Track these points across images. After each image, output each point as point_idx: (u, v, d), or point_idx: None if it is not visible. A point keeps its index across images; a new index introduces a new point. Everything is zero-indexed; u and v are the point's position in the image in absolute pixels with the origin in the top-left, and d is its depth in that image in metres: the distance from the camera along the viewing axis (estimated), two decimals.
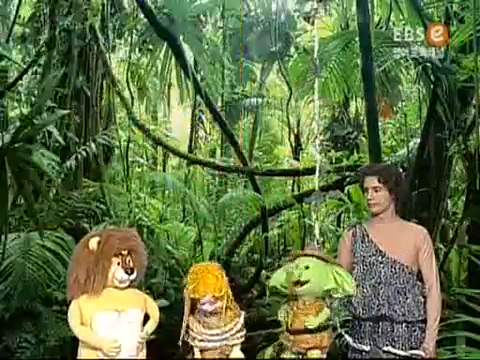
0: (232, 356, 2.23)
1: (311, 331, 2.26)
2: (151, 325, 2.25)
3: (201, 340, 2.24)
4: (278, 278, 2.42)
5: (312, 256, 2.33)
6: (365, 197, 2.79)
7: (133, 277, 2.19)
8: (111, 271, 2.15)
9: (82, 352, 2.13)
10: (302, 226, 8.81)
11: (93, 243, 2.16)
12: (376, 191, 2.71)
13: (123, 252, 2.18)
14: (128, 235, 2.27)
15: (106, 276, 2.14)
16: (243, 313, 2.30)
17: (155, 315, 2.28)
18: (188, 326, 2.27)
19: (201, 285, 2.22)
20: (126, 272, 2.15)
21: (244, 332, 2.28)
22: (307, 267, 2.28)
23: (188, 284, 2.26)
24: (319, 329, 2.26)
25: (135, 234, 2.33)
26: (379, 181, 2.70)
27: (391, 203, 2.74)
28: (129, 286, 2.23)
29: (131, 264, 2.18)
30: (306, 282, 2.25)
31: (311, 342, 2.27)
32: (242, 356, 2.25)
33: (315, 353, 2.28)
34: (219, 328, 2.23)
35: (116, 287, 2.18)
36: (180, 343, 2.26)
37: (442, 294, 2.68)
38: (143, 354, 2.20)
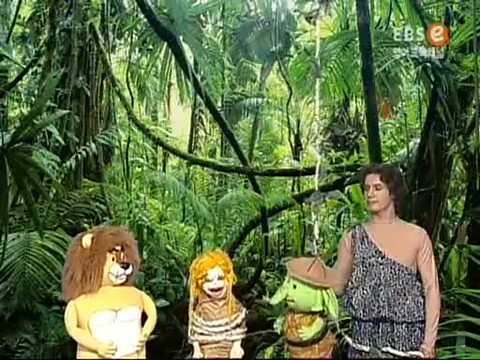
0: (233, 351, 2.24)
1: (302, 344, 2.30)
2: (149, 325, 2.25)
3: (201, 333, 2.25)
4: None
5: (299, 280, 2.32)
6: (365, 195, 2.78)
7: (129, 272, 2.20)
8: (106, 267, 2.15)
9: (81, 353, 2.13)
10: (302, 226, 8.80)
11: (87, 240, 2.17)
12: (377, 189, 2.70)
13: (116, 247, 2.19)
14: (119, 231, 2.29)
15: (102, 273, 2.14)
16: (244, 310, 2.32)
17: (153, 313, 2.28)
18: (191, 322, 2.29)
19: (208, 260, 2.28)
20: (122, 267, 2.16)
21: (245, 329, 2.29)
22: (295, 287, 2.31)
23: (193, 270, 2.30)
24: (312, 342, 2.29)
25: (126, 229, 2.36)
26: (381, 179, 2.70)
27: (390, 203, 2.73)
28: (126, 283, 2.22)
29: (125, 259, 2.19)
30: (291, 300, 2.31)
31: (302, 355, 2.32)
32: (242, 352, 2.26)
33: None
34: (219, 319, 2.24)
35: (113, 285, 2.18)
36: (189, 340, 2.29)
37: (442, 294, 2.68)
38: (143, 354, 2.20)
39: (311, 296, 2.28)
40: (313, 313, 2.32)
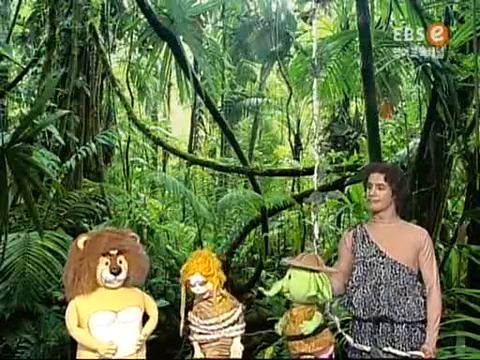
0: (233, 348, 2.25)
1: (298, 337, 2.33)
2: (150, 325, 2.24)
3: (200, 332, 2.26)
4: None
5: (297, 267, 2.38)
6: (367, 193, 2.78)
7: (121, 277, 2.14)
8: (99, 271, 2.12)
9: (81, 353, 2.13)
10: (302, 226, 8.81)
11: (80, 242, 2.15)
12: (380, 188, 2.70)
13: (111, 252, 2.14)
14: (120, 235, 2.22)
15: (93, 276, 2.12)
16: (241, 305, 2.32)
17: (154, 314, 2.27)
18: (188, 322, 2.29)
19: (190, 266, 2.29)
20: (111, 272, 2.12)
21: (243, 325, 2.30)
22: (290, 277, 2.37)
23: (182, 272, 2.33)
24: (308, 335, 2.32)
25: (130, 234, 2.29)
26: (385, 180, 2.69)
27: (392, 203, 2.73)
28: (127, 285, 2.21)
29: (121, 264, 2.15)
30: (287, 291, 2.36)
31: (298, 349, 2.35)
32: (242, 347, 2.26)
33: (308, 358, 2.34)
34: (215, 317, 2.24)
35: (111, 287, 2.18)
36: (183, 333, 2.29)
37: (442, 294, 2.68)
38: (143, 354, 2.20)
39: (305, 282, 2.32)
40: (310, 304, 2.35)
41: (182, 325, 2.30)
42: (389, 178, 2.69)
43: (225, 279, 2.32)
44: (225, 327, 2.25)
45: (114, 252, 2.15)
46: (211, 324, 2.24)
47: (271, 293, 2.42)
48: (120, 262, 2.15)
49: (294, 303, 2.39)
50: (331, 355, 2.42)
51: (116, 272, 2.12)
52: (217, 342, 2.25)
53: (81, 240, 2.15)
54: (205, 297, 2.27)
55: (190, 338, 2.30)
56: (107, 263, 2.13)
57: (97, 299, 2.13)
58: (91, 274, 2.11)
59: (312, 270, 2.35)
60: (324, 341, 2.36)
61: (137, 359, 2.16)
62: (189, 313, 2.31)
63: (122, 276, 2.15)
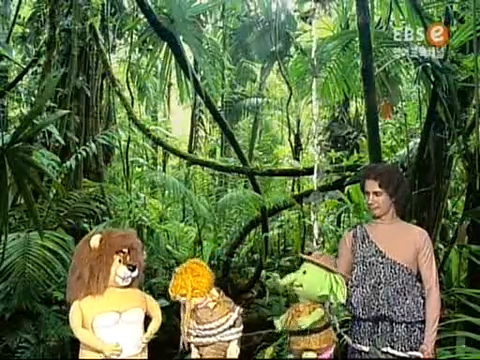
0: (229, 351, 2.25)
1: (302, 332, 2.32)
2: (154, 325, 2.27)
3: (196, 336, 2.26)
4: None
5: (314, 263, 2.38)
6: (366, 200, 2.78)
7: (135, 274, 2.21)
8: (113, 268, 2.16)
9: (84, 353, 2.14)
10: (302, 226, 8.81)
11: (95, 240, 2.18)
12: (377, 195, 2.70)
13: (124, 250, 2.20)
14: (127, 234, 2.31)
15: (108, 274, 2.15)
16: (237, 308, 2.31)
17: (157, 315, 2.30)
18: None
19: (170, 287, 2.30)
20: (129, 269, 2.17)
21: (240, 328, 2.29)
22: (304, 272, 2.37)
23: None
24: (311, 331, 2.32)
25: (134, 233, 2.37)
26: (380, 186, 2.68)
27: (392, 206, 2.73)
28: (131, 285, 2.23)
29: (132, 261, 2.20)
30: (300, 285, 2.36)
31: (302, 344, 2.34)
32: (238, 350, 2.27)
33: (310, 354, 2.33)
34: (211, 323, 2.24)
35: (118, 287, 2.19)
36: (181, 345, 2.29)
37: (442, 294, 2.68)
38: (145, 354, 2.21)
39: (320, 280, 2.32)
40: (317, 302, 2.35)
41: (184, 339, 2.30)
42: (384, 184, 2.67)
43: (204, 291, 2.27)
44: (220, 332, 2.25)
45: (126, 250, 2.21)
46: (205, 329, 2.25)
47: (283, 282, 2.42)
48: (130, 259, 2.21)
49: (301, 298, 2.39)
50: (331, 355, 2.42)
51: (133, 268, 2.18)
52: (213, 345, 2.26)
53: (96, 238, 2.18)
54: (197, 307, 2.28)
55: (188, 339, 2.30)
56: (120, 261, 2.18)
57: (102, 300, 2.14)
58: (107, 272, 2.15)
59: (329, 270, 2.35)
60: (328, 338, 2.37)
61: (140, 359, 2.18)
62: (183, 315, 2.31)
63: (136, 273, 2.21)
